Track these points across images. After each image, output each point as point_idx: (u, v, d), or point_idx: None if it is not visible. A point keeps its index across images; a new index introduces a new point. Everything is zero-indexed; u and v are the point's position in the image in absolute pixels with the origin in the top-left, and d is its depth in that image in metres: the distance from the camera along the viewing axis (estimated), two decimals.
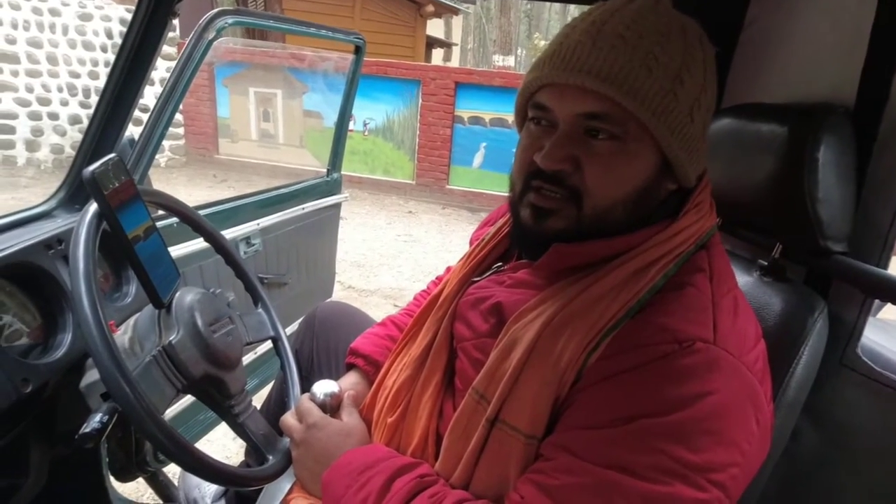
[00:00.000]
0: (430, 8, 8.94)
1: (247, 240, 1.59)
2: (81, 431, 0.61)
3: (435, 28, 12.06)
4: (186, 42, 1.26)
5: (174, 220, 1.19)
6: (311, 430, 0.73)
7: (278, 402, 1.05)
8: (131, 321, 0.78)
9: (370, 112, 6.17)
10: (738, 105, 0.84)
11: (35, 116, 5.38)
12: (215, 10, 1.30)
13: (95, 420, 0.63)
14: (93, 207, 0.67)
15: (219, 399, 0.78)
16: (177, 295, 0.77)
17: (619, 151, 0.56)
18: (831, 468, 0.77)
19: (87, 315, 0.58)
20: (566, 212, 0.58)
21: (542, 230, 0.60)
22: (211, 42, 1.29)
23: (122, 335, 0.76)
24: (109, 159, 0.69)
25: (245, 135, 6.57)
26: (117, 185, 0.69)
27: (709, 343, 0.52)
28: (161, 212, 0.98)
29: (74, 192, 0.99)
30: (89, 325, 0.58)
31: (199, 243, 1.29)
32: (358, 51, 1.93)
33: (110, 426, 0.64)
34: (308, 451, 0.72)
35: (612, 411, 0.51)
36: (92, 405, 0.72)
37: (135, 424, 0.59)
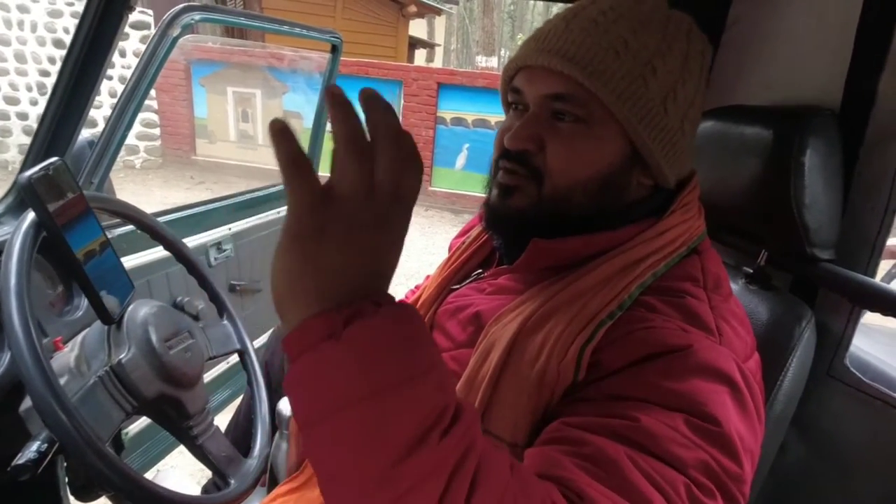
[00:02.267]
0: (413, 8, 8.88)
1: (217, 245, 1.53)
2: (14, 462, 0.56)
3: (418, 29, 12.00)
4: (149, 39, 1.21)
5: None
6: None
7: (247, 418, 1.00)
8: (79, 338, 0.73)
9: None
10: (722, 107, 0.81)
11: (3, 116, 5.21)
12: (181, 6, 1.24)
13: (32, 449, 0.58)
14: (30, 216, 0.62)
15: (176, 420, 0.73)
16: (129, 309, 0.72)
17: (582, 133, 0.55)
18: (819, 482, 0.75)
19: (17, 335, 0.53)
20: (527, 190, 0.57)
21: (506, 207, 0.59)
22: (176, 39, 1.23)
23: (69, 353, 0.70)
24: (51, 164, 0.64)
25: (223, 135, 6.44)
26: (65, 200, 0.64)
27: (716, 343, 0.50)
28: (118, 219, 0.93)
29: (23, 198, 0.92)
30: (20, 347, 0.52)
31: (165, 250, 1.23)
32: (334, 49, 1.88)
33: (50, 455, 0.59)
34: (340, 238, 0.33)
35: (640, 404, 0.45)
36: (32, 430, 0.66)
37: (73, 456, 0.53)
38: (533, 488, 0.36)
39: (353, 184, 0.31)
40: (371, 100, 0.33)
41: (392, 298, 0.34)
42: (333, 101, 0.31)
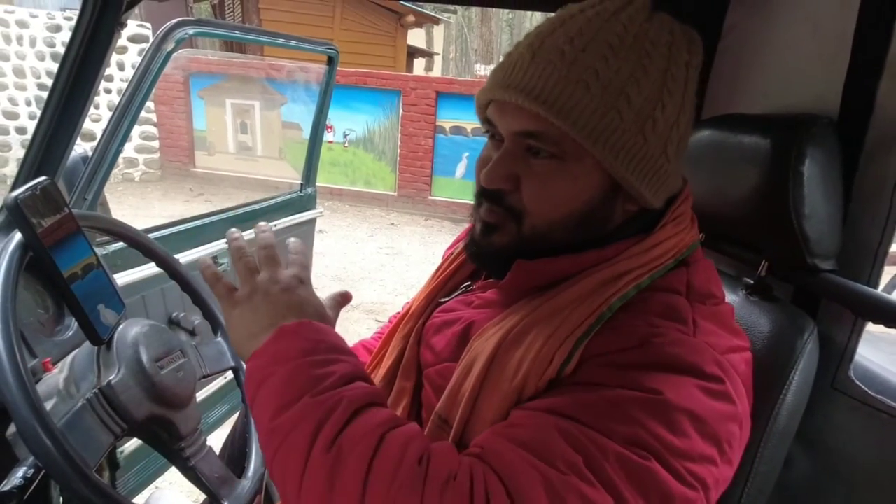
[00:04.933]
0: (411, 18, 8.92)
1: (213, 260, 1.52)
2: (0, 489, 0.55)
3: (416, 38, 12.06)
4: (143, 53, 1.20)
5: None
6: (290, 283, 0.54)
7: (242, 437, 0.98)
8: (69, 359, 0.71)
9: (350, 123, 6.11)
10: (719, 116, 0.80)
11: (2, 131, 5.23)
12: (175, 21, 1.24)
13: (17, 476, 0.57)
14: (17, 237, 0.61)
15: (167, 441, 0.71)
16: (119, 329, 0.71)
17: (557, 171, 0.54)
18: (826, 498, 0.73)
19: (1, 359, 0.51)
20: (508, 228, 0.57)
21: (490, 245, 0.59)
22: (170, 53, 1.23)
23: (58, 374, 0.69)
24: (38, 183, 0.63)
25: (222, 147, 6.45)
26: (54, 219, 0.63)
27: (688, 335, 0.51)
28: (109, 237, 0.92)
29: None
30: (4, 372, 0.51)
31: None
32: (331, 61, 1.88)
33: (37, 481, 0.58)
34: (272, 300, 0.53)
35: (591, 387, 0.48)
36: (20, 455, 0.65)
37: (58, 482, 0.52)
38: (444, 448, 0.44)
39: (248, 282, 0.55)
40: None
41: (308, 319, 0.51)
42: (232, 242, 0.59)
